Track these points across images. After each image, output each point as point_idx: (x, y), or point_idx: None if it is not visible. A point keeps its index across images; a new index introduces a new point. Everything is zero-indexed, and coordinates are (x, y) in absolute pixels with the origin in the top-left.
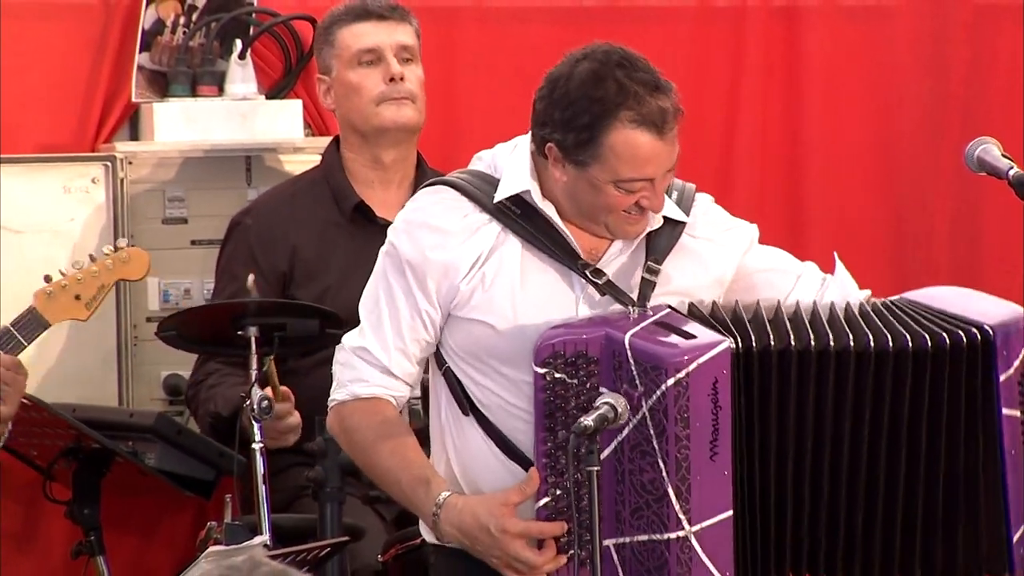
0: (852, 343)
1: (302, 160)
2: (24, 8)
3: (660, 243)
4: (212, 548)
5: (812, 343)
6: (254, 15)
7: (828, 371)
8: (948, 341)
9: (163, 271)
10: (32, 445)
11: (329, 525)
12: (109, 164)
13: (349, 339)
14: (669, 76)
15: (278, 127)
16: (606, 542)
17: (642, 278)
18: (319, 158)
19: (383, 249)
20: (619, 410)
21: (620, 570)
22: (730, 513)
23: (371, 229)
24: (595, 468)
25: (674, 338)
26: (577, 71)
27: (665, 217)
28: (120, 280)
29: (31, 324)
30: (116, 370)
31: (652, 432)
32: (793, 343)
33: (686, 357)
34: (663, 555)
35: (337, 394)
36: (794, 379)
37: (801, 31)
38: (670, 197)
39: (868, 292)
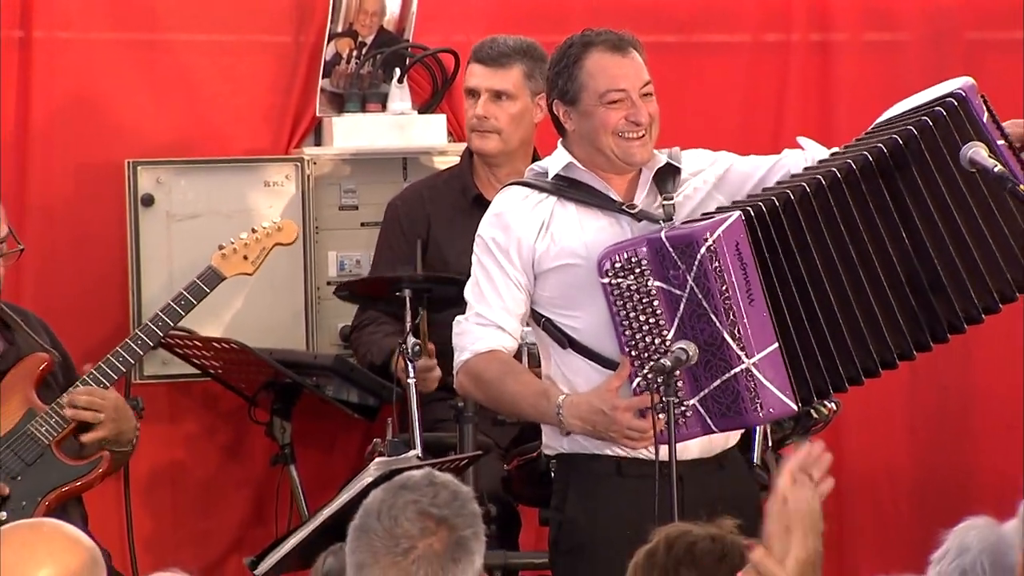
0: (836, 170)
1: (445, 160)
2: (235, 46)
3: (667, 182)
4: (377, 459)
5: (806, 187)
6: (409, 49)
7: (827, 200)
8: (929, 120)
9: (339, 246)
10: (240, 379)
11: (467, 442)
12: (299, 164)
13: (461, 317)
14: (729, 96)
15: (427, 135)
16: (691, 402)
17: (662, 205)
18: (457, 159)
19: (475, 246)
20: (690, 352)
21: (708, 418)
22: (776, 345)
23: None
24: (673, 399)
25: (696, 224)
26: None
27: (667, 164)
28: (276, 244)
29: (211, 278)
30: (304, 322)
31: (700, 296)
32: (791, 194)
33: (709, 229)
34: (735, 389)
35: (461, 357)
36: (803, 220)
37: (832, 61)
38: (663, 154)
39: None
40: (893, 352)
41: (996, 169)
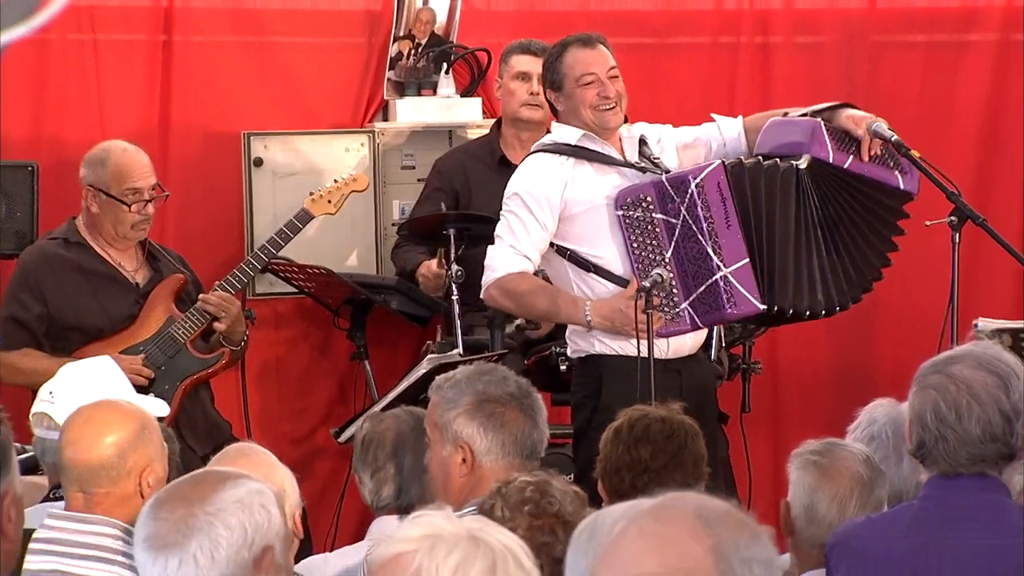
0: (778, 158)
1: (481, 132)
2: (323, 46)
3: (645, 148)
4: (429, 355)
5: (760, 158)
6: (453, 48)
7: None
8: (804, 165)
9: (400, 196)
10: (327, 296)
11: (496, 343)
12: (371, 135)
13: (491, 248)
14: (689, 90)
15: (467, 113)
16: (684, 305)
17: (655, 161)
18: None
19: (506, 199)
20: (665, 277)
21: (696, 317)
22: (747, 259)
23: (508, 173)
24: (651, 311)
25: (687, 169)
26: None
27: (641, 137)
28: (352, 191)
29: (303, 216)
30: (375, 253)
31: (691, 221)
32: (745, 160)
33: (698, 172)
34: (716, 291)
35: (493, 275)
36: (762, 172)
37: (771, 59)
38: (636, 128)
39: (740, 118)
40: (822, 302)
41: (894, 139)
